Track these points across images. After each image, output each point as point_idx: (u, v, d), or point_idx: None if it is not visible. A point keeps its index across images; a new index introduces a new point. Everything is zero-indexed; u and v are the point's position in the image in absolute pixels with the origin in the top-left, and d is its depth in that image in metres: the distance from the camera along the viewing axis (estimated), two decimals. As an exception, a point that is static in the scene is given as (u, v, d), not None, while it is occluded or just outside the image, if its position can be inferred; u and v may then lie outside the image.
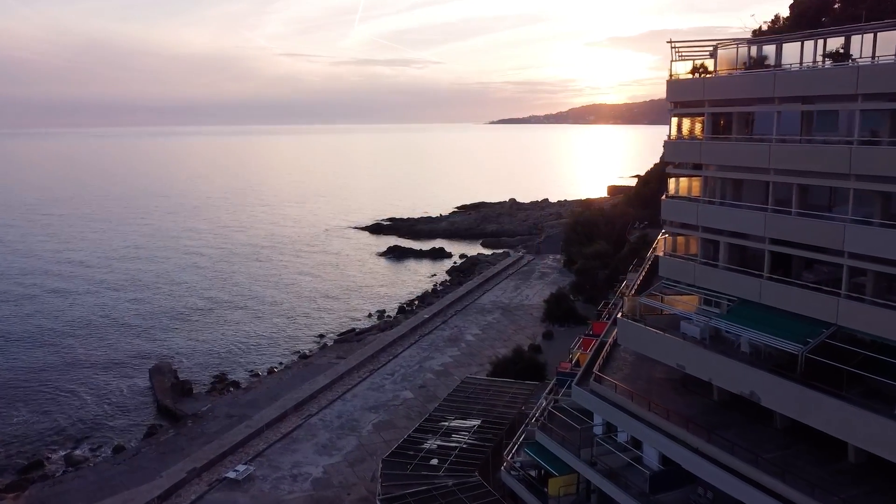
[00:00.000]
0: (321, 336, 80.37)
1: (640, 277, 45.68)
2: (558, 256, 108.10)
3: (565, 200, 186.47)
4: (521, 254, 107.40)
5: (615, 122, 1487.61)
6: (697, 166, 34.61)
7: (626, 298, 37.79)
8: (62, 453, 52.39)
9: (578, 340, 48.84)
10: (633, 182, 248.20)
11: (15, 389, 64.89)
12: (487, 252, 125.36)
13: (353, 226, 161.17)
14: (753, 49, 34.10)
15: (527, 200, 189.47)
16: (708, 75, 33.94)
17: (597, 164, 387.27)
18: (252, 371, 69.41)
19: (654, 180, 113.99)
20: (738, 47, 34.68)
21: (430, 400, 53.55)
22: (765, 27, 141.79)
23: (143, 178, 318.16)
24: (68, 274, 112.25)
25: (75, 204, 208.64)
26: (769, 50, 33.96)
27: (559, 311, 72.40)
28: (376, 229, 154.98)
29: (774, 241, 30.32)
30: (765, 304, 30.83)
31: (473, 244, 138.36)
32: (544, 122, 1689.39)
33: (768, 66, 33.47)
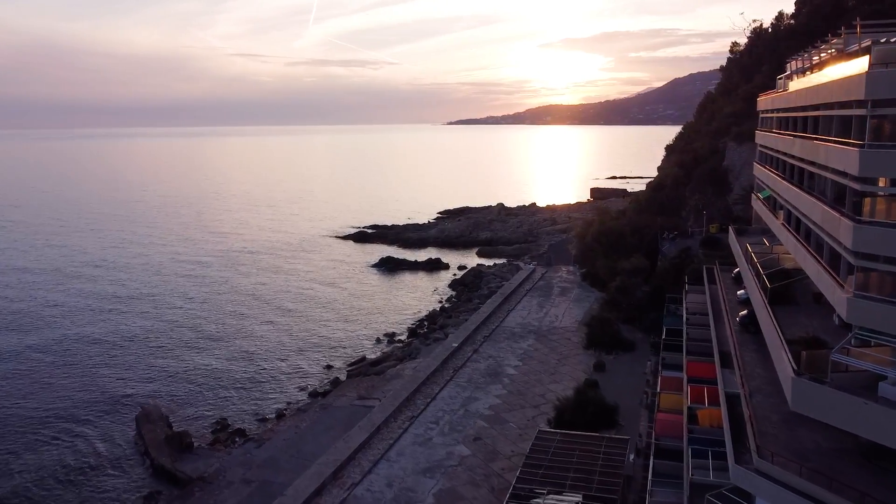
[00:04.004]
0: (328, 367, 70.66)
1: (767, 311, 37.61)
2: (571, 268, 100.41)
3: (554, 205, 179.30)
4: (532, 266, 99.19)
5: (571, 123, 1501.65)
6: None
7: (804, 353, 29.53)
8: (40, 540, 42.02)
9: (685, 386, 40.51)
10: (612, 184, 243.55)
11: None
12: (487, 262, 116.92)
13: (334, 234, 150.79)
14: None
15: (511, 204, 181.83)
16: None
17: (569, 166, 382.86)
18: (258, 415, 59.46)
19: (668, 185, 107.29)
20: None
21: (491, 458, 44.75)
22: (765, 25, 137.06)
23: (94, 183, 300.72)
24: (16, 296, 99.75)
25: (23, 212, 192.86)
26: None
27: (605, 338, 64.30)
28: (361, 238, 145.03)
29: None
30: None
31: (468, 253, 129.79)
32: (502, 123, 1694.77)
33: None
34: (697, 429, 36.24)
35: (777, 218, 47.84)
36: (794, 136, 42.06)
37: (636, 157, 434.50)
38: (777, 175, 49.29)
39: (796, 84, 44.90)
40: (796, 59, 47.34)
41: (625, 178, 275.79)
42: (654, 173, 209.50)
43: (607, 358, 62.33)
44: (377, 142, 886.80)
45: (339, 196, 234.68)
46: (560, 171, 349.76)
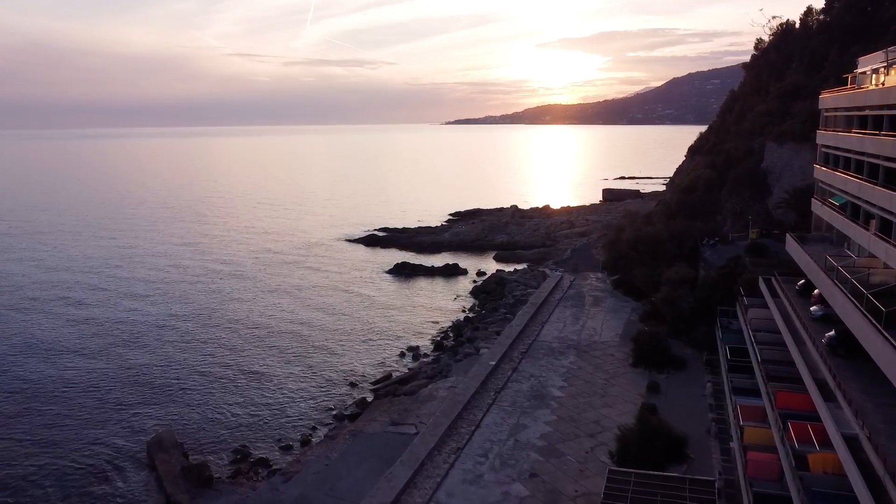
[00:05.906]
0: (352, 385, 65.56)
1: (885, 338, 32.61)
2: (599, 275, 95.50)
3: (568, 206, 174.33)
4: (559, 273, 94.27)
5: (570, 123, 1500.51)
6: None
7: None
8: None
9: (778, 420, 35.46)
10: (623, 185, 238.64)
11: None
12: (507, 268, 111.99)
13: (344, 238, 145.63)
14: None
15: (522, 206, 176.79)
16: None
17: (576, 166, 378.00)
18: (280, 441, 54.37)
19: (700, 187, 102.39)
20: None
21: (553, 499, 39.77)
22: (781, 22, 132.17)
23: (89, 185, 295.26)
24: (13, 305, 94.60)
25: (19, 214, 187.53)
26: None
27: (655, 355, 59.37)
28: (372, 242, 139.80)
29: None
30: None
31: (485, 258, 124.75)
32: (500, 123, 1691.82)
33: None
34: (809, 476, 31.32)
35: (867, 228, 42.94)
36: (903, 136, 37.12)
37: (641, 156, 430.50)
38: (864, 181, 44.39)
39: (897, 78, 39.99)
40: (890, 51, 42.49)
41: (634, 178, 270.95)
42: (667, 174, 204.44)
43: (659, 377, 57.41)
44: (377, 142, 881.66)
45: (345, 197, 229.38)
46: (567, 171, 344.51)
